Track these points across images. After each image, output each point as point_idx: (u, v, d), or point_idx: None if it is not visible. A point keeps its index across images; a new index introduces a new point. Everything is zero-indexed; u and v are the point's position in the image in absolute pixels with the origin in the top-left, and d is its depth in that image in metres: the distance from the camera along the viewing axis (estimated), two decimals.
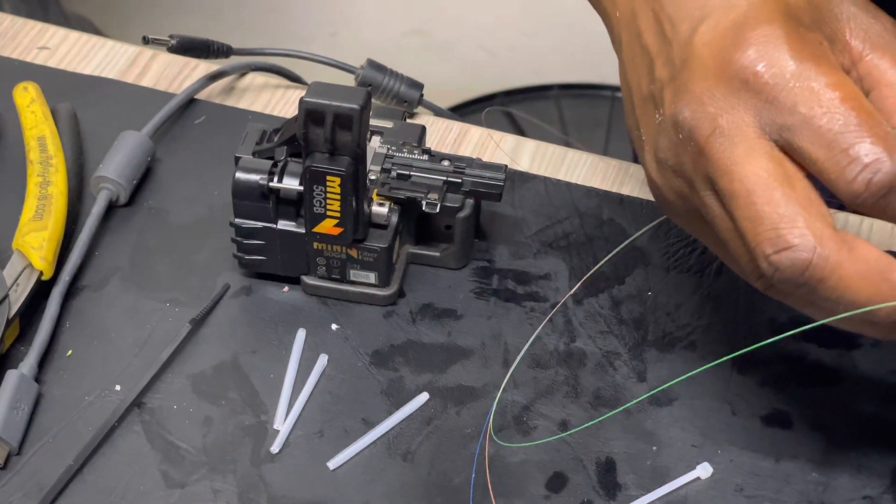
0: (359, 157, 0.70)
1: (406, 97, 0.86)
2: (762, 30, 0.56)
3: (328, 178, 0.70)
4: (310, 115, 0.69)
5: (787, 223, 0.55)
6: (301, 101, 0.68)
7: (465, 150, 0.85)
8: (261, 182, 0.72)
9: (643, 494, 0.68)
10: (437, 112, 0.88)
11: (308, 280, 0.75)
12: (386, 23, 2.12)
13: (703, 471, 0.69)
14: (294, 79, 0.89)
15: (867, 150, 0.54)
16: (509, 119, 1.95)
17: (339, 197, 0.71)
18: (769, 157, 0.56)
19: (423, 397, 0.72)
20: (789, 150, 0.56)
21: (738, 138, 0.56)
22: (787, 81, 0.56)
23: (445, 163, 0.75)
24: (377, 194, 0.74)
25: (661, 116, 0.59)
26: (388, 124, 0.78)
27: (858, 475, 0.68)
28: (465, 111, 1.99)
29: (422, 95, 0.86)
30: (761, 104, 0.56)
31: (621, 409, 0.71)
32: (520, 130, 1.87)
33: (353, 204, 0.71)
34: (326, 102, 0.68)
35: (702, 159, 0.57)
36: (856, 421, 0.70)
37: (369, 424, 0.70)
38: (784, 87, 0.55)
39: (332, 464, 0.69)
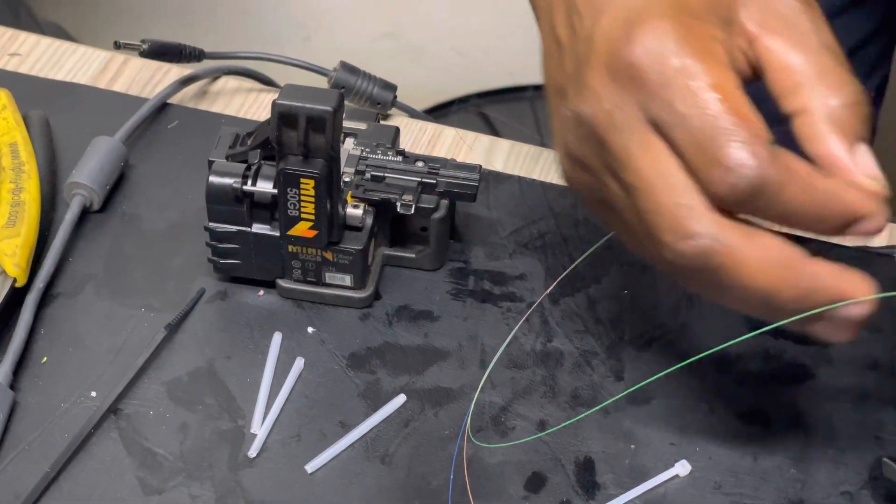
0: (332, 160, 0.70)
1: (379, 99, 0.85)
2: (650, 25, 0.57)
3: (302, 180, 0.70)
4: (283, 117, 0.68)
5: (686, 213, 0.56)
6: (274, 104, 0.68)
7: (439, 152, 0.85)
8: (234, 186, 0.72)
9: (622, 493, 0.68)
10: (411, 113, 0.88)
11: (283, 283, 0.75)
12: (359, 26, 2.12)
13: (682, 468, 0.69)
14: (267, 82, 0.89)
15: (735, 155, 0.55)
16: (484, 120, 1.95)
17: (313, 199, 0.71)
18: (662, 147, 0.56)
19: (401, 399, 0.71)
20: (671, 144, 0.56)
21: (631, 133, 0.57)
22: (669, 78, 0.56)
23: (419, 164, 0.75)
24: (351, 196, 0.74)
25: (568, 109, 0.59)
26: (362, 126, 0.78)
27: (836, 471, 0.68)
28: (440, 113, 1.99)
29: (395, 97, 0.86)
30: (645, 99, 0.56)
31: (598, 407, 0.71)
32: (495, 132, 1.88)
33: (328, 206, 0.71)
34: (299, 105, 0.68)
35: (604, 152, 0.58)
36: (833, 417, 0.70)
37: (347, 427, 0.70)
38: (665, 83, 0.56)
39: (310, 467, 0.68)
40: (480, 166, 0.75)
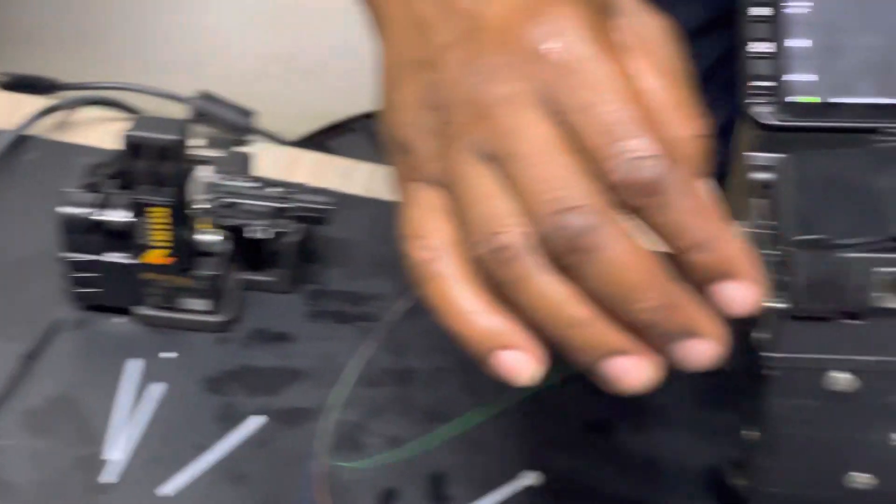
0: (182, 188, 0.71)
1: (238, 125, 0.87)
2: (558, 7, 0.56)
3: (154, 208, 0.71)
4: (132, 147, 0.70)
5: (574, 186, 0.54)
6: (123, 135, 0.70)
7: (300, 176, 0.86)
8: (88, 215, 0.73)
9: None
10: (272, 139, 0.90)
11: (141, 310, 0.76)
12: (250, 50, 2.13)
13: (530, 478, 0.71)
14: (130, 110, 0.90)
15: (638, 146, 0.54)
16: (375, 141, 1.96)
17: (165, 227, 0.72)
18: (556, 128, 0.55)
19: (256, 420, 0.73)
20: (567, 129, 0.56)
21: (524, 108, 0.56)
22: (577, 63, 0.56)
23: (274, 189, 0.77)
24: (206, 223, 0.75)
25: (437, 78, 0.57)
26: (217, 153, 0.79)
27: (679, 474, 0.71)
28: (331, 134, 2.01)
29: (253, 123, 0.87)
30: (548, 80, 0.56)
31: (452, 423, 0.72)
32: None
33: (181, 233, 0.73)
34: (148, 135, 0.70)
35: (481, 123, 0.56)
36: (676, 423, 0.73)
37: (203, 450, 0.71)
38: (571, 68, 0.56)
39: (165, 490, 0.70)
40: (332, 191, 0.77)
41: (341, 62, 2.09)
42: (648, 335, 0.56)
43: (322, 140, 1.98)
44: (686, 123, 0.59)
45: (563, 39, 0.56)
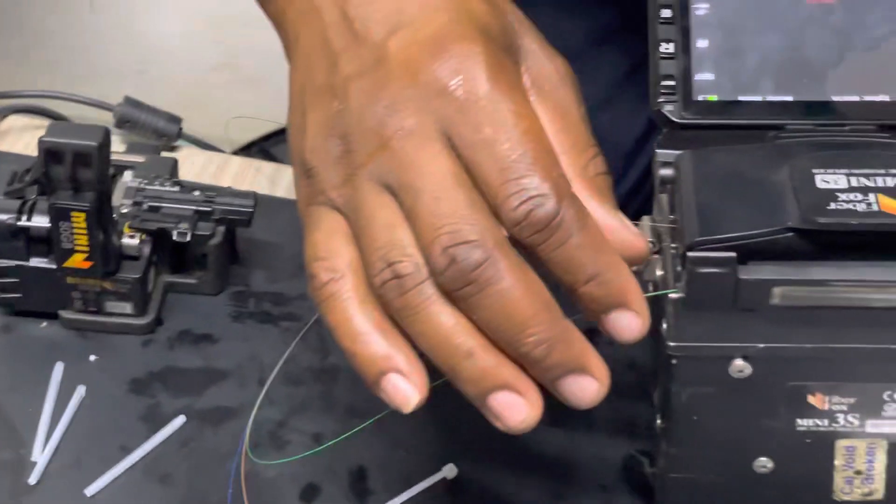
0: (103, 193, 0.73)
1: (165, 132, 0.88)
2: (463, 45, 0.58)
3: (73, 214, 0.73)
4: (49, 154, 0.71)
5: (470, 221, 0.56)
6: (40, 141, 0.71)
7: (226, 180, 0.88)
8: (9, 221, 0.74)
9: (392, 498, 0.71)
10: (199, 145, 0.91)
11: (65, 314, 0.77)
12: (195, 58, 2.13)
13: (449, 471, 0.72)
14: (58, 118, 0.91)
15: (536, 184, 0.56)
16: None
17: (86, 232, 0.73)
18: (455, 163, 0.57)
19: (180, 420, 0.74)
20: (466, 165, 0.57)
21: (425, 142, 0.57)
22: (478, 100, 0.57)
23: (196, 193, 0.78)
24: (128, 227, 0.77)
25: (342, 106, 0.59)
26: (140, 158, 0.81)
27: (594, 466, 0.72)
28: (276, 140, 2.01)
29: (181, 129, 0.89)
30: (450, 116, 0.57)
31: (371, 420, 0.74)
32: None
33: (101, 238, 0.74)
34: (64, 141, 0.71)
35: (382, 154, 0.58)
36: (591, 416, 0.74)
37: (127, 451, 0.73)
38: (474, 104, 0.57)
39: (90, 491, 0.71)
40: (255, 193, 0.78)
41: (284, 70, 2.10)
42: (536, 370, 0.57)
43: (265, 147, 1.99)
44: (589, 162, 0.61)
45: (467, 76, 0.57)
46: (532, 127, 0.57)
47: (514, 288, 0.56)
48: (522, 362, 0.57)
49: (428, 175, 0.57)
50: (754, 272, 0.60)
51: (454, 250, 0.56)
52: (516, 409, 0.58)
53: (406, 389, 0.58)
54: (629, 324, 0.58)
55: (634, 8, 0.91)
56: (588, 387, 0.58)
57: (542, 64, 0.63)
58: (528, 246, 0.57)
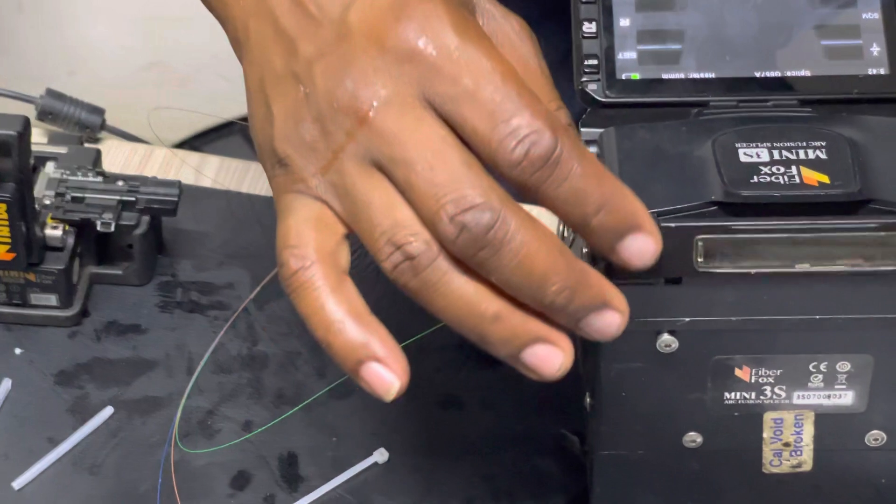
0: (23, 182, 0.72)
1: (88, 123, 0.87)
2: (423, 5, 0.57)
3: None
4: None
5: (471, 184, 0.55)
6: None
7: (151, 170, 0.87)
8: None
9: (323, 484, 0.71)
10: (124, 136, 0.90)
11: None
12: (124, 58, 2.12)
13: (380, 456, 0.72)
14: None
15: (528, 122, 0.55)
16: (249, 144, 1.97)
17: (7, 223, 0.72)
18: (440, 125, 0.56)
19: (108, 411, 0.73)
20: (451, 122, 0.56)
21: (405, 108, 0.56)
22: (450, 54, 0.56)
23: (120, 183, 0.77)
24: (52, 218, 0.76)
25: (308, 90, 0.58)
26: (63, 150, 0.80)
27: (525, 446, 0.72)
28: (208, 138, 2.00)
29: (104, 121, 0.88)
30: (425, 75, 0.56)
31: (300, 406, 0.74)
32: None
33: (23, 229, 0.73)
34: None
35: (362, 130, 0.56)
36: (522, 396, 0.74)
37: (55, 443, 0.72)
38: (447, 59, 0.56)
39: (17, 484, 0.70)
40: (180, 182, 0.78)
41: (216, 68, 2.09)
42: (561, 315, 0.56)
43: (198, 145, 1.98)
44: (556, 103, 0.61)
45: (433, 34, 0.56)
46: (510, 69, 0.56)
47: (528, 242, 0.55)
48: (546, 312, 0.56)
49: (416, 143, 0.55)
50: (683, 243, 0.61)
51: (462, 217, 0.54)
52: (551, 358, 0.57)
53: (386, 376, 0.57)
54: (643, 246, 0.57)
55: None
56: (612, 320, 0.57)
57: (499, 22, 0.62)
58: (531, 186, 0.55)
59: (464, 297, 0.56)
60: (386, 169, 0.56)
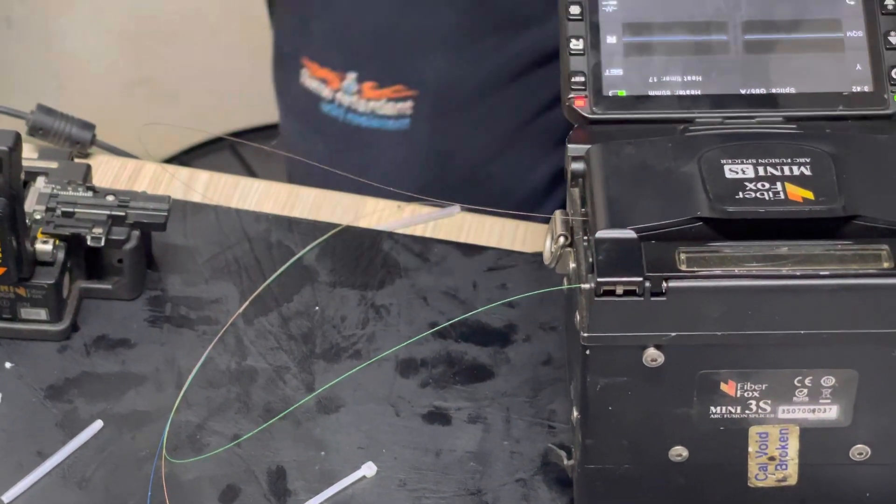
0: (14, 198, 0.72)
1: (78, 138, 0.88)
2: None
3: None
4: None
5: None
6: None
7: (141, 186, 0.87)
8: None
9: (311, 497, 0.71)
10: (114, 151, 0.90)
11: None
12: (113, 74, 2.12)
13: (368, 469, 0.72)
14: None
15: None
16: (238, 158, 1.98)
17: None
18: None
19: (97, 425, 0.74)
20: None
21: None
22: None
23: (110, 198, 0.78)
24: (42, 233, 0.76)
25: None
26: (53, 164, 0.80)
27: (511, 461, 0.73)
28: (196, 154, 2.01)
29: (94, 136, 0.88)
30: None
31: (283, 414, 0.74)
32: (249, 170, 1.90)
33: (13, 244, 0.73)
34: None
35: None
36: (509, 411, 0.75)
37: (44, 456, 0.72)
38: None
39: (7, 497, 0.70)
40: (170, 197, 0.78)
41: (205, 84, 2.10)
42: None
43: (188, 160, 1.98)
44: None
45: None
46: None
47: None
48: None
49: None
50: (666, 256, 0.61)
51: None
52: None
53: None
54: None
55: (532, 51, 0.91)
56: None
57: None
58: None
59: None
60: None
